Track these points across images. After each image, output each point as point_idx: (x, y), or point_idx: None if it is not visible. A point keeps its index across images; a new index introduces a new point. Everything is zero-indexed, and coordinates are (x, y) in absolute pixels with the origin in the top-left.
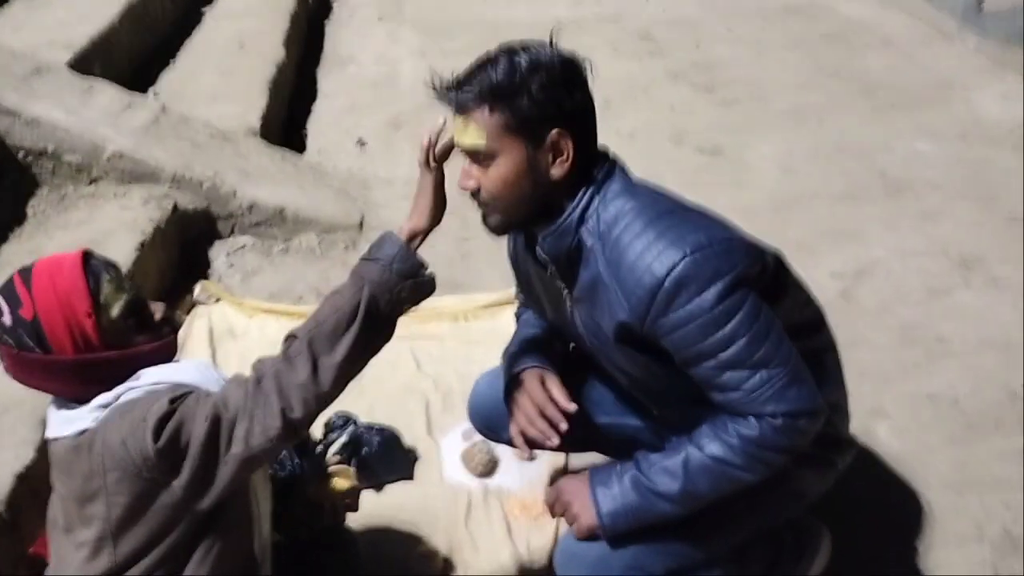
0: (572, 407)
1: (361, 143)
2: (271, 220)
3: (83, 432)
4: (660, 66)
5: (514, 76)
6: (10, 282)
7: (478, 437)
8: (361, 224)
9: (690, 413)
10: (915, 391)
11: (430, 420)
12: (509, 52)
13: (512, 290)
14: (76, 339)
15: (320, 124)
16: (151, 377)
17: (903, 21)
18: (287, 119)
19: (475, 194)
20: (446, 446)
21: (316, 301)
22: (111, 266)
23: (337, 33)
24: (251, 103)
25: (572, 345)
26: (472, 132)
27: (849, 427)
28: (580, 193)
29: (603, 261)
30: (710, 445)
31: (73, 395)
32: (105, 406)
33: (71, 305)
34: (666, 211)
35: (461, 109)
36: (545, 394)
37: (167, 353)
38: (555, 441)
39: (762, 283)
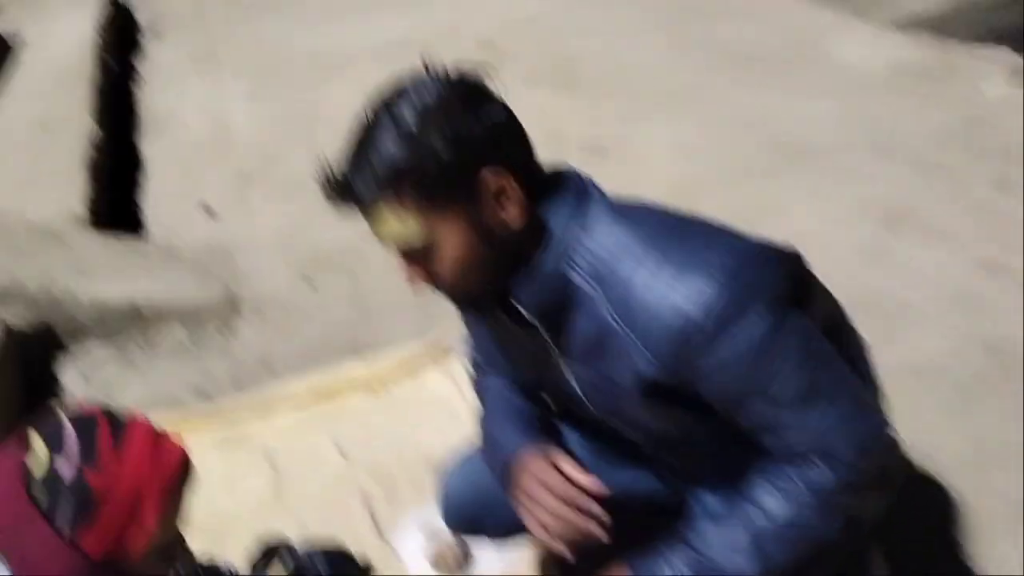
0: (604, 491)
1: (208, 209)
2: (123, 319)
3: None
4: (513, 73)
5: (407, 139)
6: None
7: (442, 530)
8: (233, 301)
9: (722, 459)
10: (897, 365)
11: (376, 520)
12: (386, 106)
13: (430, 337)
14: None
15: (155, 197)
16: None
17: None
18: (116, 198)
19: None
20: (405, 547)
21: (197, 400)
22: None
23: (149, 94)
24: (69, 187)
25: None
26: (396, 228)
27: None
28: (551, 230)
29: (607, 306)
30: (775, 507)
31: None
32: None
33: None
34: (672, 231)
35: (365, 208)
36: (564, 479)
37: None
38: (605, 537)
39: (797, 295)
